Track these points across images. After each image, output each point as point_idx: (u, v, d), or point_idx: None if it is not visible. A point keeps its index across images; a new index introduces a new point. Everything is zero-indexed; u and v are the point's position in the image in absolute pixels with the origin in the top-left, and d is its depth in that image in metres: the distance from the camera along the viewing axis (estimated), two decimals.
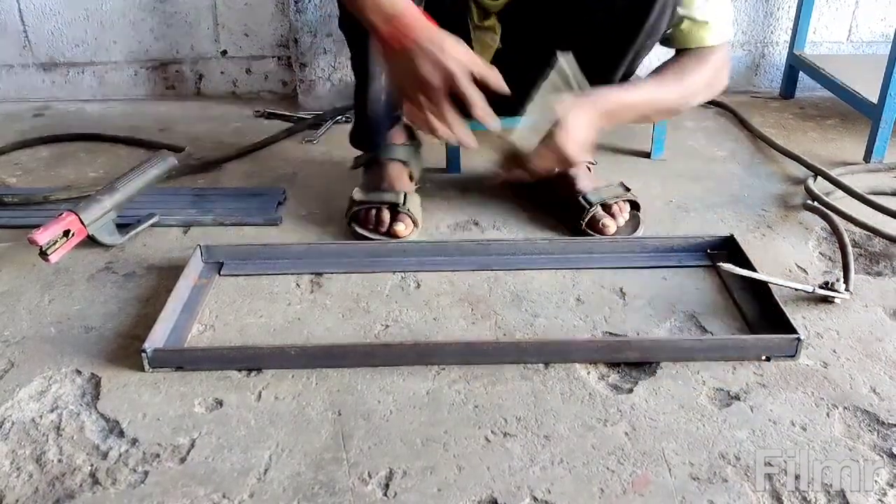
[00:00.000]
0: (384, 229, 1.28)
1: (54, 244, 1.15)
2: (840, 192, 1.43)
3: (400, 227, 1.28)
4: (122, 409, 0.92)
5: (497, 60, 1.25)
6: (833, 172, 1.49)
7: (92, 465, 0.84)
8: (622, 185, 1.36)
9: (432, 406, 0.92)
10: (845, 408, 0.92)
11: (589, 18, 1.22)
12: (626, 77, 1.30)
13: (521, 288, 1.16)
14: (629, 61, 1.26)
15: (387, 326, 1.08)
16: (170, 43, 2.04)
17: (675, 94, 1.26)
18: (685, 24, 1.24)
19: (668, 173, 1.59)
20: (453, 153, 1.56)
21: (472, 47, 1.26)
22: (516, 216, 1.40)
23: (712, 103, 1.99)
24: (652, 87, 1.25)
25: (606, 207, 1.32)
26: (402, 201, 1.30)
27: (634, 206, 1.35)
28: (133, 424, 0.89)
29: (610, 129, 1.23)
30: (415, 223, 1.31)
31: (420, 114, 1.06)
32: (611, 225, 1.29)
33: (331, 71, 1.94)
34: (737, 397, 0.93)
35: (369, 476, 0.82)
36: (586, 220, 1.30)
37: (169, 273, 1.19)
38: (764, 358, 0.99)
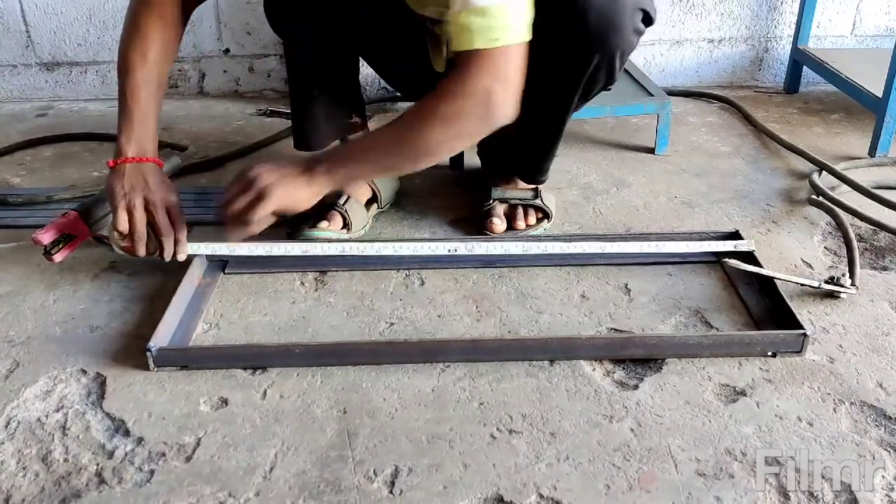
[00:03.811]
0: (309, 225, 1.26)
1: (58, 244, 1.15)
2: (845, 187, 1.43)
3: (322, 224, 1.26)
4: (127, 408, 0.92)
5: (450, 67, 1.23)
6: (838, 167, 1.48)
7: (98, 465, 0.84)
8: (539, 196, 1.33)
9: (437, 404, 0.92)
10: (852, 403, 0.91)
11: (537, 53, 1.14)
12: (556, 118, 1.22)
13: (526, 285, 1.16)
14: (567, 105, 1.19)
15: (391, 324, 1.08)
16: None
17: (398, 141, 1.06)
18: (460, 18, 0.98)
19: (673, 169, 1.58)
20: None
21: (426, 46, 1.24)
22: None
23: (716, 98, 1.99)
24: (376, 137, 1.11)
25: (512, 209, 1.32)
26: (341, 201, 1.28)
27: (545, 215, 1.33)
28: (139, 423, 0.89)
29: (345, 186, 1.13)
30: (346, 224, 1.28)
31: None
32: (498, 224, 1.29)
33: None
34: (743, 393, 0.93)
35: (375, 474, 0.82)
36: (481, 213, 1.31)
37: (173, 272, 1.19)
38: (770, 354, 0.99)
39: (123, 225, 1.10)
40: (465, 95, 1.01)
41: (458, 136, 1.05)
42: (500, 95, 1.00)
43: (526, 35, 1.01)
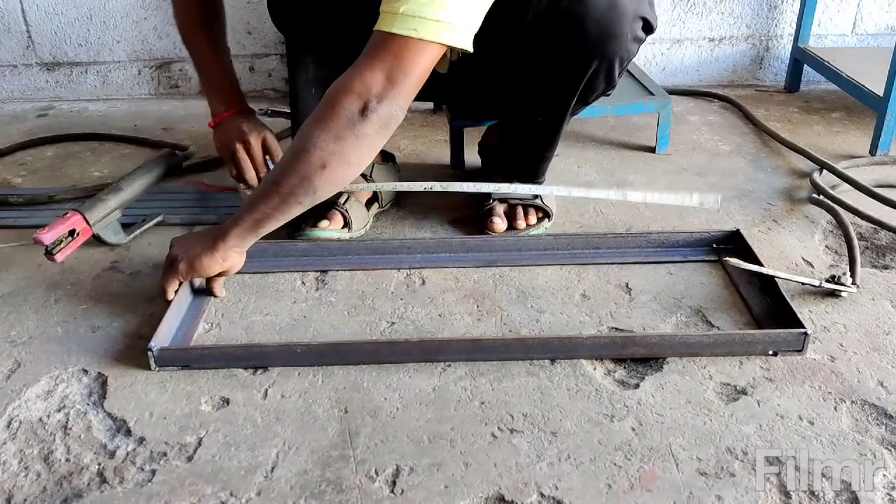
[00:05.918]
0: (310, 224, 1.26)
1: (60, 244, 1.15)
2: (846, 186, 1.43)
3: (323, 223, 1.26)
4: (128, 407, 0.92)
5: (453, 68, 1.23)
6: (839, 166, 1.48)
7: (99, 464, 0.84)
8: (539, 195, 1.32)
9: (439, 403, 0.92)
10: (853, 402, 0.91)
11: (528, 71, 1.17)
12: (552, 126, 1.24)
13: (527, 284, 1.16)
14: (563, 112, 1.20)
15: (392, 323, 1.08)
16: (173, 42, 2.03)
17: (291, 164, 0.97)
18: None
19: (674, 168, 1.58)
20: (457, 149, 1.56)
21: None
22: None
23: (716, 97, 1.98)
24: (263, 186, 1.02)
25: (513, 208, 1.32)
26: (341, 200, 1.28)
27: (546, 214, 1.33)
28: (140, 423, 0.89)
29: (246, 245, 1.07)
30: (347, 223, 1.28)
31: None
32: (498, 223, 1.29)
33: None
34: (744, 392, 0.93)
35: (376, 473, 0.82)
36: (482, 213, 1.31)
37: None
38: (771, 352, 0.99)
39: (238, 170, 1.29)
40: (344, 88, 0.94)
41: (335, 139, 0.94)
42: (382, 90, 0.93)
43: (452, 41, 0.93)
